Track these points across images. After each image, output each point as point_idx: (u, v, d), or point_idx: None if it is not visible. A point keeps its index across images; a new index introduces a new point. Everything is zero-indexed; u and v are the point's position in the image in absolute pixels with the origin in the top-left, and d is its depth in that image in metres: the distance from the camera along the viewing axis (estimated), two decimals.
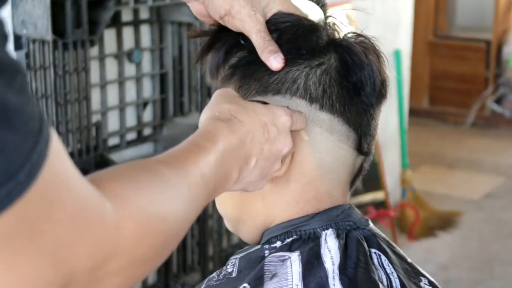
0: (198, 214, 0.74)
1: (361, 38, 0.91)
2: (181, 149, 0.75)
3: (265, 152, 0.81)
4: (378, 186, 3.69)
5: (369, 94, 0.89)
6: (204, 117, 0.81)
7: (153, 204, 0.65)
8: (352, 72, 0.88)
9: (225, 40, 0.92)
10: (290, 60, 0.87)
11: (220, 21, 0.90)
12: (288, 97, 0.87)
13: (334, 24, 0.93)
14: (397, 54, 3.88)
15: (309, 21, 0.91)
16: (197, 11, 0.93)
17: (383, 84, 0.90)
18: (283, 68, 0.87)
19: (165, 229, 0.66)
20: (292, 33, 0.89)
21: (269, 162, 0.82)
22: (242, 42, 0.90)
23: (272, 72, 0.88)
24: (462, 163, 4.90)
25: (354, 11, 3.45)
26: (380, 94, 0.90)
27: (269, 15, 0.90)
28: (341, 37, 0.91)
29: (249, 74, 0.89)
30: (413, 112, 4.85)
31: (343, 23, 0.93)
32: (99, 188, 0.59)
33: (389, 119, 3.91)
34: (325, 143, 0.88)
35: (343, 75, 0.88)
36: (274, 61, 0.86)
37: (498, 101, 5.82)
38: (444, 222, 3.90)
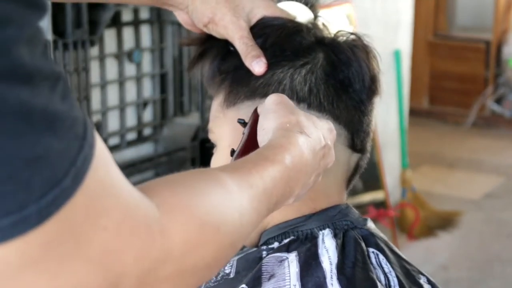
0: (255, 228, 0.71)
1: (352, 36, 0.91)
2: (247, 160, 0.73)
3: (320, 167, 0.80)
4: (378, 186, 3.69)
5: (358, 91, 0.89)
6: (272, 127, 0.79)
7: (207, 212, 0.62)
8: (339, 69, 0.89)
9: (218, 49, 0.93)
10: (275, 63, 0.89)
11: (205, 29, 0.92)
12: None
13: (323, 24, 0.94)
14: (397, 54, 3.88)
15: (294, 23, 0.92)
16: (183, 20, 0.96)
17: (373, 80, 0.90)
18: (268, 71, 0.88)
19: (218, 240, 0.63)
20: (276, 36, 0.90)
21: (319, 176, 0.82)
22: (231, 48, 0.91)
23: (258, 76, 0.89)
24: (462, 163, 4.90)
25: (354, 11, 3.46)
26: (370, 90, 0.90)
27: (253, 20, 0.91)
28: (330, 36, 0.92)
29: (238, 80, 0.90)
30: (413, 112, 4.85)
31: (334, 22, 0.94)
32: (149, 195, 0.58)
33: (389, 119, 3.91)
34: None
35: (330, 73, 0.89)
36: (257, 65, 0.88)
37: (498, 101, 5.81)
38: (444, 222, 3.90)
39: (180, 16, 0.95)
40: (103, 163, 0.53)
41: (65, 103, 0.50)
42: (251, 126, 0.84)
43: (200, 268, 0.62)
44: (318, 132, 0.80)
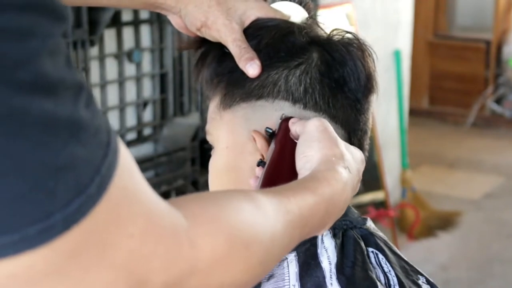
0: (286, 254, 0.70)
1: (347, 35, 0.91)
2: (288, 187, 0.73)
3: (349, 199, 0.81)
4: (378, 186, 3.69)
5: (354, 90, 0.89)
6: (317, 156, 0.78)
7: (237, 227, 0.61)
8: (333, 69, 0.89)
9: (213, 51, 0.94)
10: (269, 64, 0.89)
11: (198, 33, 0.93)
12: (271, 100, 0.89)
13: (317, 23, 0.94)
14: (397, 54, 3.88)
15: (288, 23, 0.92)
16: (176, 24, 0.96)
17: (368, 78, 0.90)
18: (263, 73, 0.88)
19: (247, 257, 0.62)
20: (270, 37, 0.90)
21: (348, 204, 0.82)
22: (226, 50, 0.91)
23: (253, 78, 0.89)
24: (462, 163, 4.90)
25: (354, 11, 3.46)
26: (366, 88, 0.90)
27: (247, 22, 0.92)
28: (324, 35, 0.92)
29: (233, 82, 0.90)
30: (413, 112, 4.85)
31: (333, 22, 0.94)
32: (176, 206, 0.57)
33: (389, 119, 3.92)
34: None
35: (324, 73, 0.89)
36: (250, 68, 0.88)
37: (498, 101, 5.82)
38: (444, 222, 3.90)
39: (174, 20, 0.96)
40: (127, 170, 0.53)
41: (89, 111, 0.51)
42: (281, 138, 0.83)
43: (227, 285, 0.61)
44: (356, 168, 0.81)
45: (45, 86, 0.48)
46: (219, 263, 0.59)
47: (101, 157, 0.50)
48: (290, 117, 0.85)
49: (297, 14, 0.94)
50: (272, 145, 0.85)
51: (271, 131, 0.86)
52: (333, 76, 0.89)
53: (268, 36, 0.90)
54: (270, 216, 0.65)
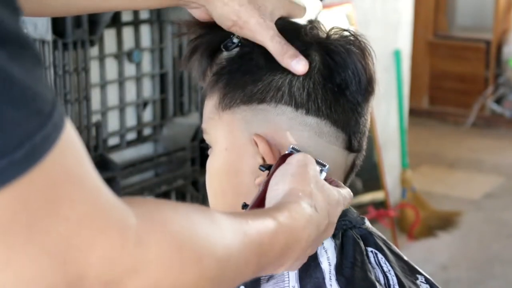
0: (240, 281, 0.67)
1: (346, 33, 0.90)
2: (248, 212, 0.71)
3: (318, 241, 0.78)
4: (378, 186, 3.69)
5: (355, 93, 0.88)
6: (285, 189, 0.77)
7: (191, 238, 0.58)
8: (335, 73, 0.88)
9: (208, 45, 0.91)
10: (274, 68, 0.87)
11: (228, 30, 0.90)
12: (274, 105, 0.87)
13: (319, 23, 0.92)
14: (397, 54, 3.88)
15: (294, 25, 0.90)
16: (200, 18, 0.92)
17: (369, 80, 0.89)
18: (266, 77, 0.87)
19: (200, 271, 0.58)
20: None
21: (314, 249, 0.79)
22: (224, 50, 0.90)
23: (255, 81, 0.87)
24: (462, 163, 4.90)
25: (354, 11, 3.46)
26: (366, 91, 0.89)
27: (274, 20, 0.89)
28: (324, 36, 0.90)
29: (233, 83, 0.89)
30: (413, 112, 4.85)
31: (326, 21, 0.93)
32: (131, 204, 0.54)
33: (389, 119, 3.91)
34: (315, 147, 0.88)
35: (326, 77, 0.87)
36: (298, 65, 0.86)
37: (498, 101, 5.81)
38: (444, 222, 3.90)
39: (196, 14, 0.92)
40: (72, 151, 0.49)
41: (29, 74, 0.47)
42: (271, 178, 0.81)
43: None
44: (328, 208, 0.78)
45: None
46: (167, 269, 0.55)
47: (37, 125, 0.46)
48: (290, 154, 0.83)
49: (312, 6, 0.92)
50: (260, 187, 0.82)
51: (264, 169, 0.84)
52: (335, 80, 0.87)
53: None
54: (227, 234, 0.63)
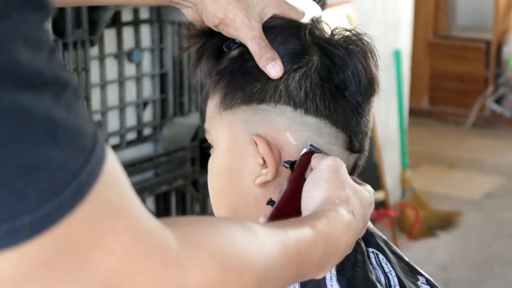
0: None
1: (348, 33, 0.89)
2: (286, 221, 0.71)
3: (353, 243, 0.79)
4: (378, 186, 3.69)
5: (355, 93, 0.88)
6: (321, 196, 0.77)
7: (232, 255, 0.58)
8: (334, 73, 0.87)
9: (213, 48, 0.92)
10: None
11: (215, 29, 0.90)
12: (273, 105, 0.87)
13: (321, 23, 0.92)
14: (397, 54, 3.88)
15: (293, 24, 0.90)
16: (192, 17, 0.93)
17: (370, 81, 0.89)
18: (264, 76, 0.87)
19: (240, 285, 0.59)
20: (271, 39, 0.88)
21: (350, 249, 0.79)
22: (226, 50, 0.90)
23: (254, 81, 0.87)
24: (462, 163, 4.90)
25: (354, 11, 3.46)
26: (367, 91, 0.89)
27: (264, 19, 0.89)
28: (326, 36, 0.90)
29: (234, 83, 0.89)
30: (413, 112, 4.85)
31: (333, 22, 0.92)
32: (169, 226, 0.54)
33: (389, 119, 3.92)
34: None
35: (325, 78, 0.87)
36: (272, 69, 0.86)
37: (498, 101, 5.82)
38: (444, 222, 3.90)
39: (189, 14, 0.93)
40: (115, 183, 0.50)
41: (71, 112, 0.47)
42: (296, 176, 0.81)
43: None
44: (363, 211, 0.79)
45: (19, 75, 0.45)
46: None
47: (81, 163, 0.47)
48: (313, 152, 0.83)
49: (311, 10, 0.92)
50: (285, 184, 0.82)
51: (288, 164, 0.84)
52: (334, 81, 0.87)
53: (269, 38, 0.88)
54: (266, 247, 0.63)
